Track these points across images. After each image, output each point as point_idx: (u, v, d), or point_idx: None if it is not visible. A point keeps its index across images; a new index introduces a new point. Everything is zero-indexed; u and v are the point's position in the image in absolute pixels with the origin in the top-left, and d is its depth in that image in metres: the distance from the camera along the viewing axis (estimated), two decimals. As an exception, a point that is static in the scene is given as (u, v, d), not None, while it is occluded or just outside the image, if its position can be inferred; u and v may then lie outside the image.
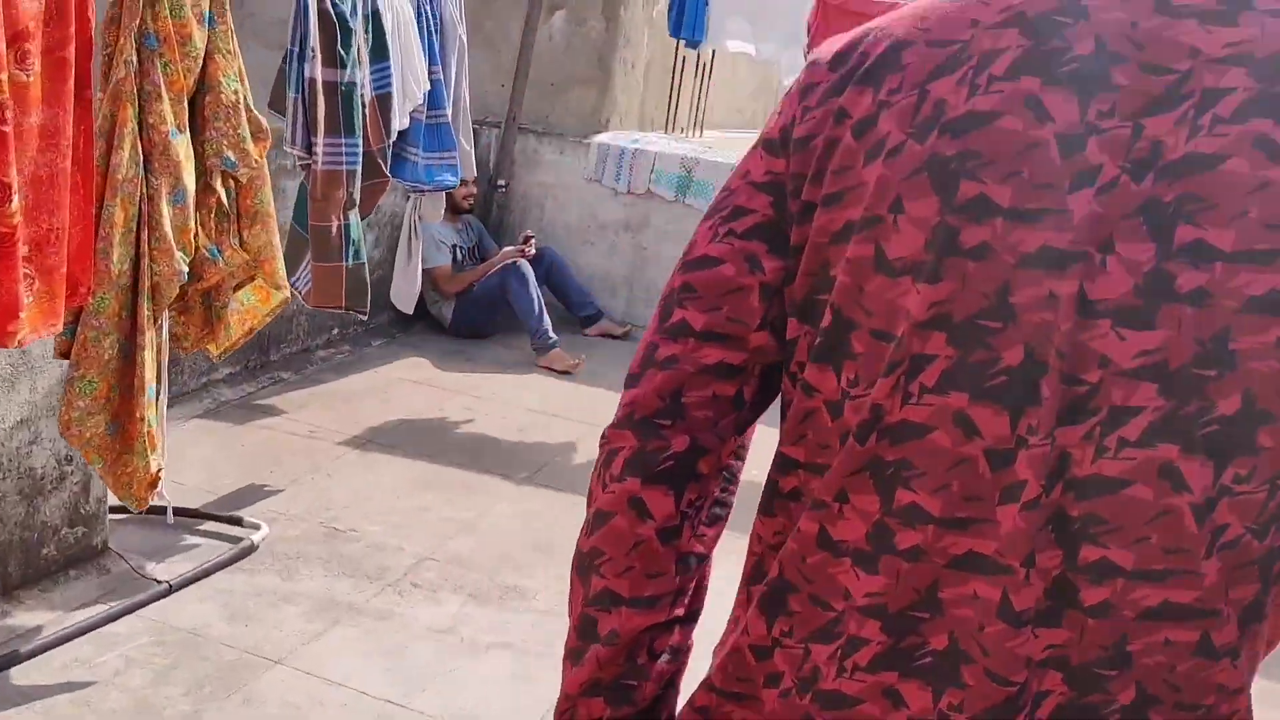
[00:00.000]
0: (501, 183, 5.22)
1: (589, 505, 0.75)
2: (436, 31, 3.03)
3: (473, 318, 4.75)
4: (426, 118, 3.00)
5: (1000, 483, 0.60)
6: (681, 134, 6.11)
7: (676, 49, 5.45)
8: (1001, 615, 0.61)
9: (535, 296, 4.55)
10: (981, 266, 0.60)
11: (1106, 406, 0.58)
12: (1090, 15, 0.60)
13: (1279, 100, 0.57)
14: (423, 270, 4.72)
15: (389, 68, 2.77)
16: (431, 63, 2.98)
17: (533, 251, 4.80)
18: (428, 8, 2.97)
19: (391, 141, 2.82)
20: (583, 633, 0.73)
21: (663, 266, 5.19)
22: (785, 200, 0.69)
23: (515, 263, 4.62)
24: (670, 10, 4.67)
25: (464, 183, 4.82)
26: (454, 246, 4.82)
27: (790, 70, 4.60)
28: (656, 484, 0.71)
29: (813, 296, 0.67)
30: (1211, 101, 0.57)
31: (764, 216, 0.70)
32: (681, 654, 0.74)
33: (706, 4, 4.55)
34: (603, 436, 0.75)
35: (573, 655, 0.73)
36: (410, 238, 3.30)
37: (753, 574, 0.74)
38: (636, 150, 5.11)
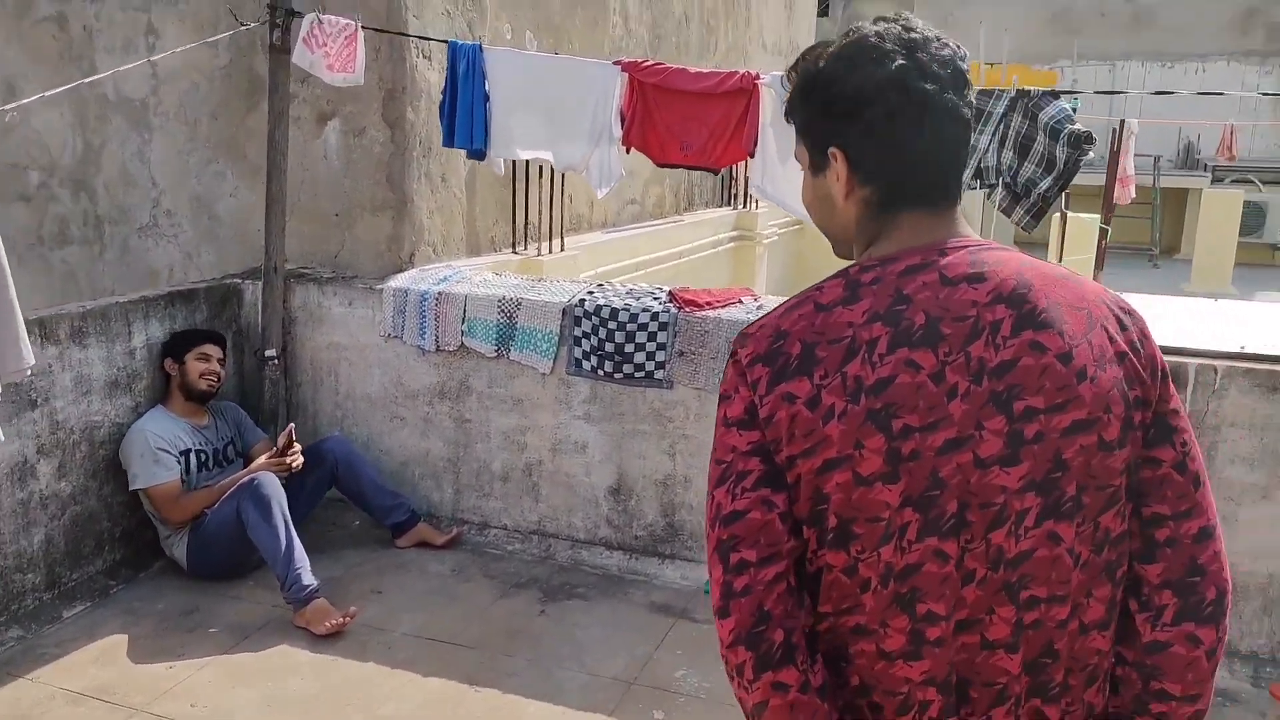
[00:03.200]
0: (270, 352, 3.93)
1: (745, 702, 1.06)
2: None
3: (213, 557, 3.41)
4: None
5: (964, 578, 1.02)
6: (534, 252, 4.85)
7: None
8: (983, 648, 1.04)
9: (282, 529, 3.21)
10: (918, 464, 1.00)
11: (1013, 514, 1.01)
12: (913, 299, 1.02)
13: (1030, 317, 1.01)
14: (140, 491, 3.43)
15: None
16: None
17: (297, 461, 3.49)
18: None
19: None
20: None
21: (492, 442, 3.87)
22: (770, 457, 1.04)
23: (253, 481, 3.29)
24: (441, 116, 3.42)
25: (206, 356, 3.57)
26: (188, 452, 3.51)
27: (604, 174, 3.33)
28: (780, 668, 1.03)
29: (814, 509, 1.03)
30: (995, 329, 1.01)
31: (760, 471, 1.04)
32: None
33: (486, 104, 3.30)
34: (724, 658, 1.06)
35: None
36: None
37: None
38: (441, 295, 3.82)
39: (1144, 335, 1.08)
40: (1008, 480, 1.01)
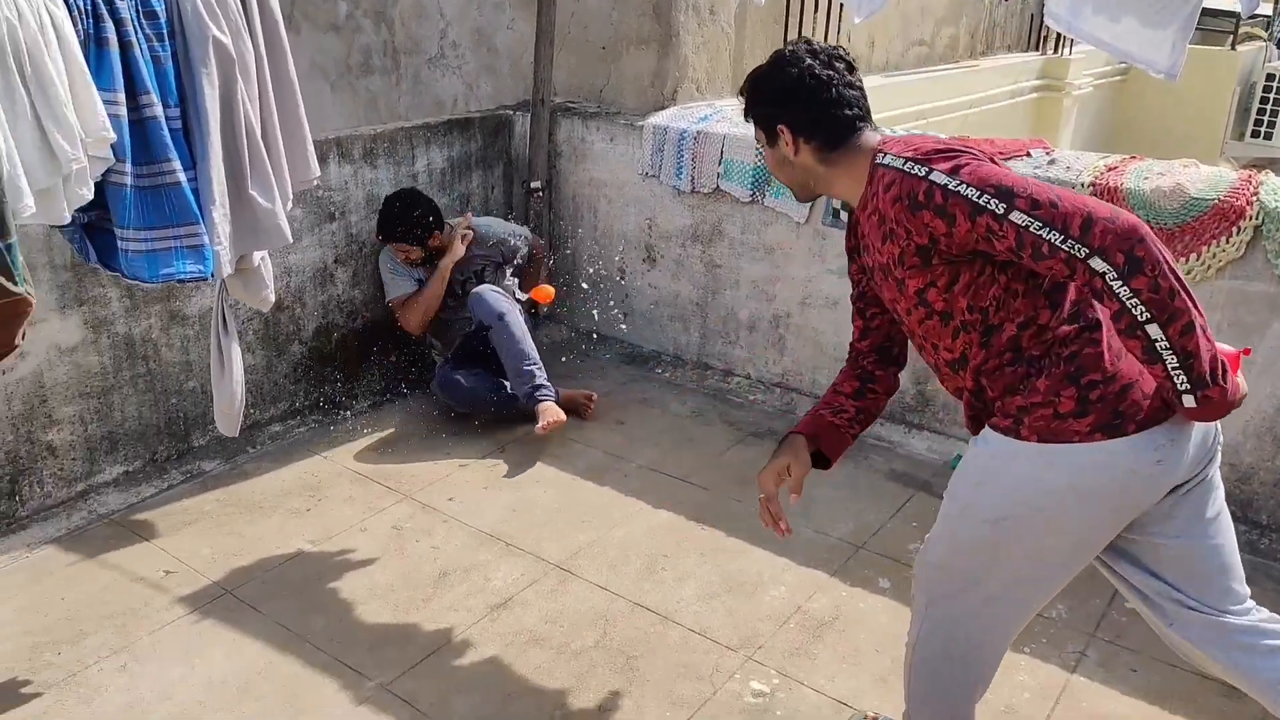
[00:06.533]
0: (535, 184, 4.06)
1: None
2: (165, 38, 1.93)
3: (458, 396, 3.54)
4: (135, 178, 1.92)
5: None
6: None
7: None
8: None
9: (518, 333, 3.45)
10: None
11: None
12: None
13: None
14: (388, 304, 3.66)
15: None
16: (139, 90, 1.89)
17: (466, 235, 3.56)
18: (124, 6, 1.85)
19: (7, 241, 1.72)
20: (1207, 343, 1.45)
21: (740, 290, 3.82)
22: None
23: (479, 297, 3.49)
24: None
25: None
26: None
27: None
28: None
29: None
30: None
31: None
32: None
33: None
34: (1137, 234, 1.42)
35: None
36: (220, 338, 2.27)
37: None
38: (700, 134, 3.74)
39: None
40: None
